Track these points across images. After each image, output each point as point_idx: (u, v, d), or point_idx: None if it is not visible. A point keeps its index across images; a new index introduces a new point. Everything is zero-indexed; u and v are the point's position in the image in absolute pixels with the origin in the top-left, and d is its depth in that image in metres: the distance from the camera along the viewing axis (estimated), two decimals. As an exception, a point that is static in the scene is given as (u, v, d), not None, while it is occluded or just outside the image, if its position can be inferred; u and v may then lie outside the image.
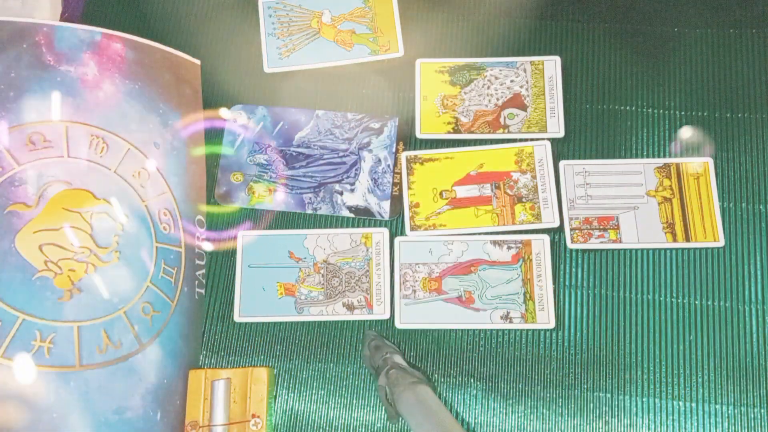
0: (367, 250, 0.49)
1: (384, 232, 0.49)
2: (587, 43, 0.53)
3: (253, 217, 0.50)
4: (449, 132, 0.50)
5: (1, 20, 0.45)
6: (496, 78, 0.51)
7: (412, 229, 0.48)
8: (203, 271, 0.49)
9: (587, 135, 0.51)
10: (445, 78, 0.52)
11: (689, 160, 0.49)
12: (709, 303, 0.47)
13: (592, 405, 0.46)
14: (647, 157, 0.50)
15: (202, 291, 0.49)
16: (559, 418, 0.45)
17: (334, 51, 0.53)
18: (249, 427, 0.44)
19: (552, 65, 0.51)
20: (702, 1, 0.53)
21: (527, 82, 0.51)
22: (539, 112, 0.50)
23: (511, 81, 0.51)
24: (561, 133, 0.50)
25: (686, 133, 0.47)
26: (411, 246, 0.48)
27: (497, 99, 0.51)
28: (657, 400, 0.45)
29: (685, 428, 0.45)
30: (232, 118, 0.52)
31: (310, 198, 0.50)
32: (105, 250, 0.44)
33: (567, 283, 0.48)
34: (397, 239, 0.48)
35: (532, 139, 0.50)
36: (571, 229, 0.48)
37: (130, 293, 0.45)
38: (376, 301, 0.48)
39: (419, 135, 0.50)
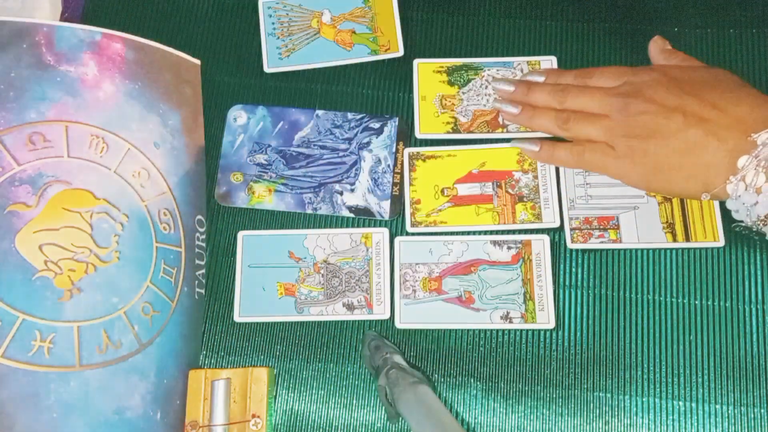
0: (367, 250, 0.49)
1: (384, 232, 0.49)
2: (587, 43, 0.53)
3: (253, 217, 0.50)
4: (448, 132, 0.50)
5: (1, 20, 0.45)
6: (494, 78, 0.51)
7: (413, 225, 0.49)
8: (203, 271, 0.49)
9: (587, 135, 0.50)
10: (443, 78, 0.52)
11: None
12: (709, 303, 0.47)
13: (592, 405, 0.45)
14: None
15: (202, 291, 0.49)
16: (559, 418, 0.45)
17: (334, 51, 0.53)
18: (249, 427, 0.44)
19: (548, 64, 0.51)
20: (702, 1, 0.53)
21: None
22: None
23: (510, 81, 0.51)
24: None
25: None
26: (411, 246, 0.48)
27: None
28: (657, 400, 0.45)
29: (685, 428, 0.45)
30: (232, 117, 0.52)
31: (310, 198, 0.50)
32: (105, 250, 0.44)
33: (567, 283, 0.48)
34: (397, 239, 0.48)
35: (531, 139, 0.50)
36: (571, 229, 0.48)
37: (130, 293, 0.45)
38: (376, 301, 0.48)
39: (418, 135, 0.50)
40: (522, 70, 0.51)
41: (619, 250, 0.48)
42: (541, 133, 0.50)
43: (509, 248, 0.48)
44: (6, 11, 0.50)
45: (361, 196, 0.50)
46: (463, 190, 0.49)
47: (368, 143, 0.51)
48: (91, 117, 0.46)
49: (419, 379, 0.41)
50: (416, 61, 0.52)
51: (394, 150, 0.51)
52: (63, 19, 0.53)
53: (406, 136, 0.51)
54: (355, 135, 0.51)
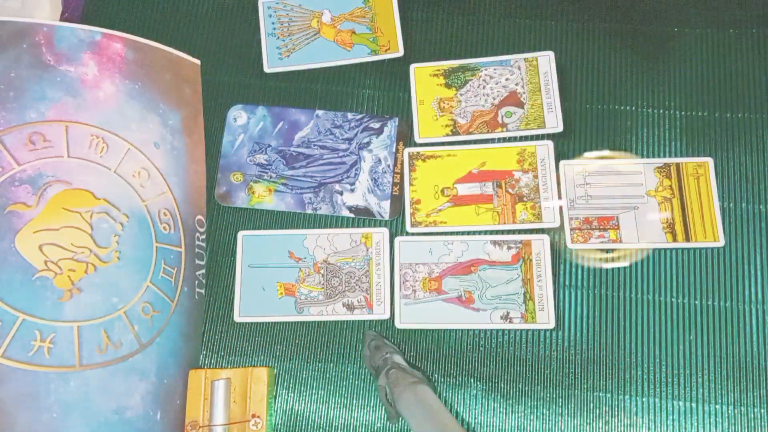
0: (367, 250, 0.49)
1: (384, 232, 0.49)
2: (587, 43, 0.53)
3: (253, 217, 0.50)
4: (448, 135, 0.50)
5: (1, 20, 0.45)
6: (491, 77, 0.51)
7: (413, 225, 0.49)
8: (203, 271, 0.49)
9: (587, 135, 0.51)
10: (440, 81, 0.52)
11: (689, 160, 0.49)
12: (709, 303, 0.47)
13: (592, 405, 0.45)
14: (647, 157, 0.50)
15: (202, 291, 0.49)
16: (559, 418, 0.45)
17: (334, 51, 0.53)
18: (249, 427, 0.44)
19: (546, 60, 0.51)
20: (702, 1, 0.53)
21: (522, 79, 0.51)
22: (536, 108, 0.50)
23: (506, 79, 0.51)
24: (560, 128, 0.50)
25: None
26: (411, 246, 0.48)
27: (494, 98, 0.51)
28: (657, 400, 0.45)
29: (685, 428, 0.45)
30: (232, 117, 0.52)
31: (310, 198, 0.50)
32: (105, 250, 0.44)
33: (567, 283, 0.48)
34: (397, 239, 0.48)
35: (531, 137, 0.50)
36: (571, 229, 0.48)
37: (130, 293, 0.45)
38: (376, 301, 0.48)
39: (418, 139, 0.50)
40: (519, 68, 0.51)
41: (619, 250, 0.48)
42: (550, 128, 0.50)
43: (509, 248, 0.48)
44: (6, 11, 0.50)
45: (361, 196, 0.50)
46: (463, 189, 0.49)
47: (368, 143, 0.51)
48: (91, 117, 0.46)
49: (419, 379, 0.41)
50: (413, 66, 0.52)
51: (394, 150, 0.51)
52: (63, 19, 0.53)
53: (406, 136, 0.51)
54: (355, 135, 0.51)
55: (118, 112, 0.47)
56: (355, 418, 0.46)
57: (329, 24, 0.53)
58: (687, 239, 0.47)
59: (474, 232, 0.49)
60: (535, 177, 0.49)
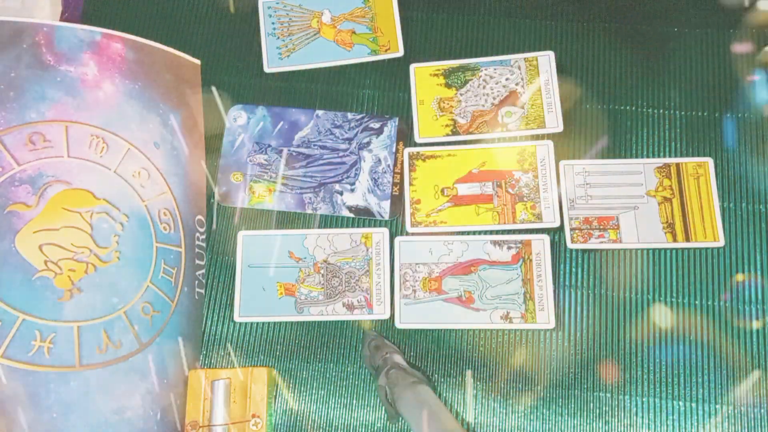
0: (367, 250, 0.49)
1: (384, 232, 0.49)
2: (587, 43, 0.53)
3: (253, 217, 0.50)
4: (448, 134, 0.50)
5: (1, 20, 0.45)
6: (491, 77, 0.51)
7: (413, 225, 0.49)
8: (203, 271, 0.49)
9: (587, 135, 0.51)
10: (440, 81, 0.52)
11: (689, 160, 0.49)
12: (709, 303, 0.47)
13: (592, 405, 0.45)
14: (647, 157, 0.50)
15: (202, 291, 0.49)
16: (559, 418, 0.45)
17: (334, 51, 0.53)
18: (249, 427, 0.44)
19: (546, 60, 0.51)
20: (702, 1, 0.53)
21: (522, 79, 0.51)
22: (536, 108, 0.50)
23: (506, 79, 0.51)
24: (560, 128, 0.50)
25: None
26: (411, 246, 0.48)
27: (494, 98, 0.51)
28: (657, 400, 0.45)
29: (685, 428, 0.45)
30: (232, 117, 0.52)
31: (310, 198, 0.50)
32: (105, 250, 0.44)
33: (567, 283, 0.48)
34: (398, 239, 0.48)
35: (531, 137, 0.50)
36: (571, 229, 0.48)
37: (130, 293, 0.45)
38: (376, 301, 0.48)
39: (418, 139, 0.50)
40: (519, 68, 0.51)
41: (619, 250, 0.48)
42: (550, 128, 0.50)
43: (509, 248, 0.48)
44: (6, 11, 0.50)
45: (361, 196, 0.50)
46: (463, 189, 0.49)
47: (368, 143, 0.51)
48: (91, 117, 0.46)
49: (419, 379, 0.41)
50: (413, 66, 0.52)
51: (394, 150, 0.51)
52: (63, 19, 0.53)
53: (406, 136, 0.51)
54: (355, 135, 0.51)
55: (118, 112, 0.47)
56: (355, 418, 0.46)
57: (329, 24, 0.53)
58: (687, 239, 0.47)
59: (474, 232, 0.49)
60: (535, 177, 0.49)
